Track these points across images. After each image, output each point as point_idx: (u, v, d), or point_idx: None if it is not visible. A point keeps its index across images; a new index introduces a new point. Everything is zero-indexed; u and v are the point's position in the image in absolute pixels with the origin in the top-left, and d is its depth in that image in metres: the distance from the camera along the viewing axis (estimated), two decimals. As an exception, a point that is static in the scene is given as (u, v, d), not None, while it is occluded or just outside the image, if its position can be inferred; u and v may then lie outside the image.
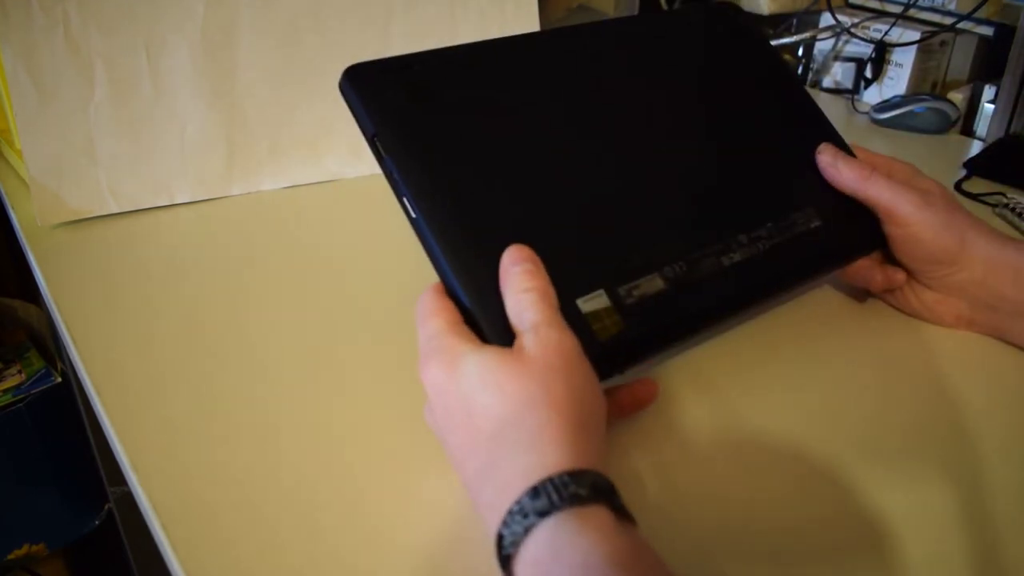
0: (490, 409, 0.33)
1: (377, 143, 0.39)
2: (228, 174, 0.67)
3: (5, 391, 1.02)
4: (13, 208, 0.66)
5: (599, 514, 0.29)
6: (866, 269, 0.50)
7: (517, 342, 0.35)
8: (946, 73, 0.87)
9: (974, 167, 0.71)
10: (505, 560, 0.29)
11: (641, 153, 0.45)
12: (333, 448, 0.41)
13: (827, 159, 0.48)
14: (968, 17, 0.80)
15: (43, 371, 1.06)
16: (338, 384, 0.45)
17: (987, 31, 0.81)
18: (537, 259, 0.38)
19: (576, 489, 0.29)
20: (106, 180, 0.63)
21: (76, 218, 0.63)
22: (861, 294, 0.52)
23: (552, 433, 0.31)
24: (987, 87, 0.80)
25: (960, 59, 0.86)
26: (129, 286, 0.55)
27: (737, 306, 0.44)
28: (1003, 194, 0.66)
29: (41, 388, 1.03)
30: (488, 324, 0.36)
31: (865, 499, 0.37)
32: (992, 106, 0.78)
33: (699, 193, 0.45)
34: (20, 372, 1.05)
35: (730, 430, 0.42)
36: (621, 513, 0.30)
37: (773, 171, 0.48)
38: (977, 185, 0.69)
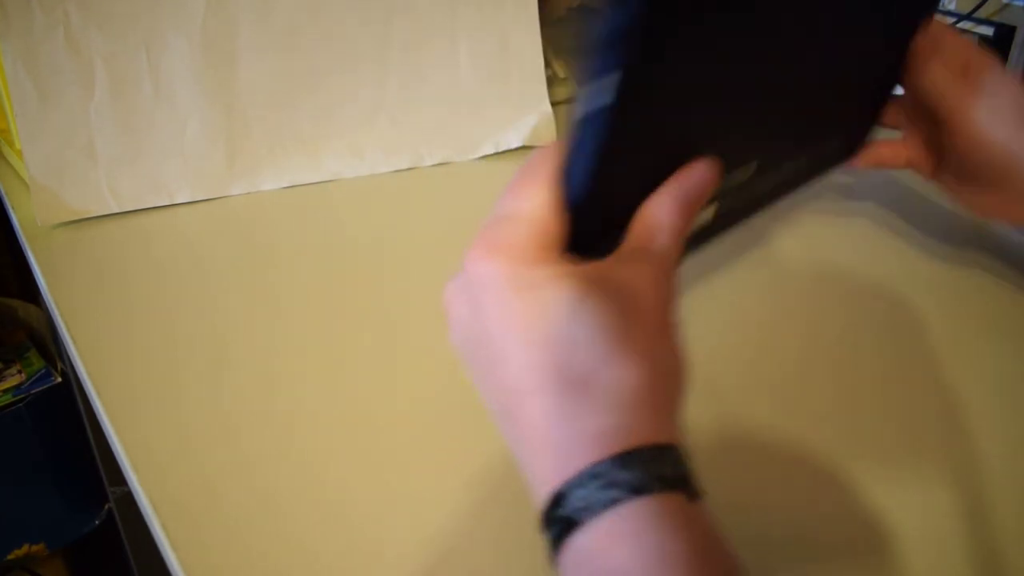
0: (583, 349, 0.28)
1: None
2: (228, 174, 0.67)
3: (5, 391, 1.02)
4: (13, 208, 0.66)
5: (680, 502, 0.26)
6: (889, 158, 0.49)
7: (632, 264, 0.30)
8: (946, 73, 0.86)
9: (974, 167, 0.71)
10: (567, 521, 0.26)
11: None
12: (333, 448, 0.41)
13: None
14: (968, 17, 0.80)
15: (43, 371, 1.05)
16: (338, 384, 0.45)
17: (987, 31, 0.81)
18: (703, 199, 0.32)
19: (663, 470, 0.27)
20: (106, 180, 0.63)
21: (76, 218, 0.63)
22: (861, 296, 0.52)
23: (652, 400, 0.28)
24: (987, 87, 0.80)
25: (960, 59, 0.85)
26: (129, 286, 0.55)
27: (744, 220, 0.42)
28: (1003, 194, 0.66)
29: (41, 388, 1.03)
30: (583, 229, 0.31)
31: (867, 499, 0.37)
32: (992, 106, 0.78)
33: (779, 109, 0.40)
34: (20, 372, 1.05)
35: (731, 431, 0.42)
36: (696, 494, 0.28)
37: (840, 88, 0.44)
38: (977, 185, 0.69)
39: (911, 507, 0.37)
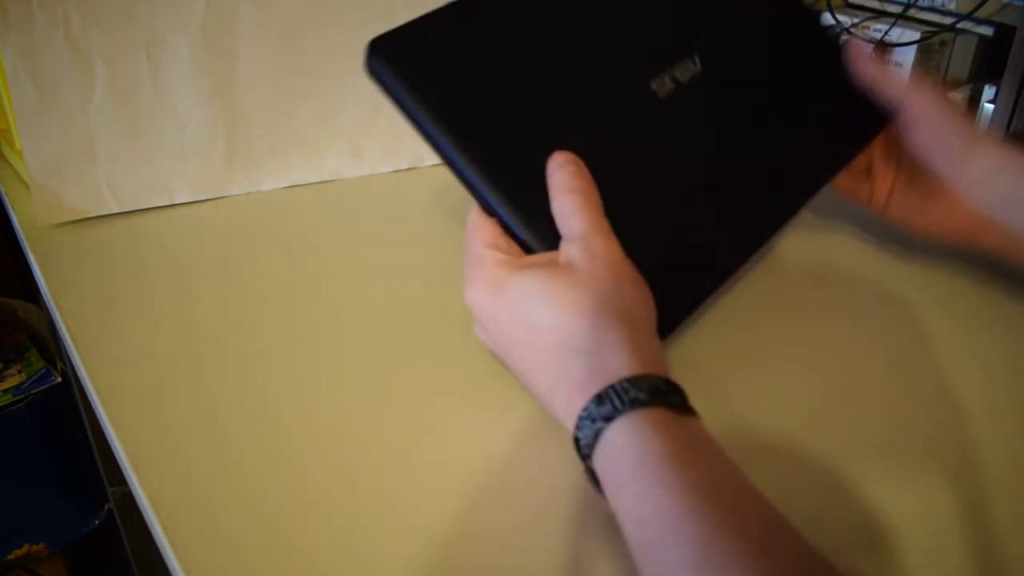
0: (547, 323, 0.35)
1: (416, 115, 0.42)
2: (228, 174, 0.67)
3: (5, 391, 1.02)
4: (13, 208, 0.66)
5: (658, 414, 0.31)
6: (854, 183, 0.53)
7: (564, 252, 0.37)
8: (946, 73, 0.87)
9: (974, 167, 0.71)
10: (585, 459, 0.33)
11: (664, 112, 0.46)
12: (335, 447, 0.41)
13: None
14: (968, 17, 0.80)
15: (43, 371, 1.06)
16: (339, 383, 0.45)
17: (987, 31, 0.81)
18: (580, 162, 0.39)
19: (636, 393, 0.32)
20: (106, 180, 0.63)
21: (76, 218, 0.63)
22: (860, 293, 0.52)
23: (609, 341, 0.34)
24: (987, 87, 0.80)
25: (960, 59, 0.85)
26: (129, 286, 0.55)
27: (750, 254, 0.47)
28: (1003, 194, 0.66)
29: (41, 388, 1.03)
30: (528, 233, 0.38)
31: (864, 497, 0.37)
32: (992, 106, 0.78)
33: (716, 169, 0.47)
34: (20, 372, 1.05)
35: (727, 427, 0.42)
36: (682, 409, 0.33)
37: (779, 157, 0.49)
38: (977, 185, 0.69)
39: (910, 506, 0.37)
